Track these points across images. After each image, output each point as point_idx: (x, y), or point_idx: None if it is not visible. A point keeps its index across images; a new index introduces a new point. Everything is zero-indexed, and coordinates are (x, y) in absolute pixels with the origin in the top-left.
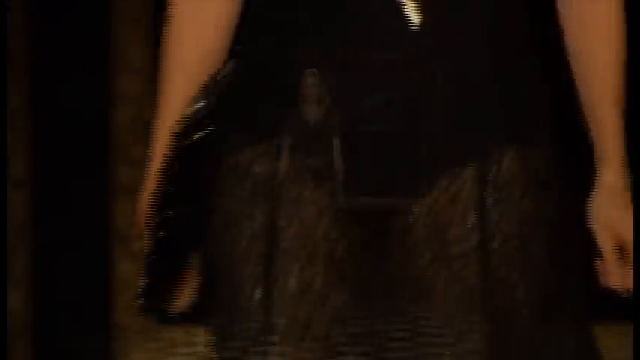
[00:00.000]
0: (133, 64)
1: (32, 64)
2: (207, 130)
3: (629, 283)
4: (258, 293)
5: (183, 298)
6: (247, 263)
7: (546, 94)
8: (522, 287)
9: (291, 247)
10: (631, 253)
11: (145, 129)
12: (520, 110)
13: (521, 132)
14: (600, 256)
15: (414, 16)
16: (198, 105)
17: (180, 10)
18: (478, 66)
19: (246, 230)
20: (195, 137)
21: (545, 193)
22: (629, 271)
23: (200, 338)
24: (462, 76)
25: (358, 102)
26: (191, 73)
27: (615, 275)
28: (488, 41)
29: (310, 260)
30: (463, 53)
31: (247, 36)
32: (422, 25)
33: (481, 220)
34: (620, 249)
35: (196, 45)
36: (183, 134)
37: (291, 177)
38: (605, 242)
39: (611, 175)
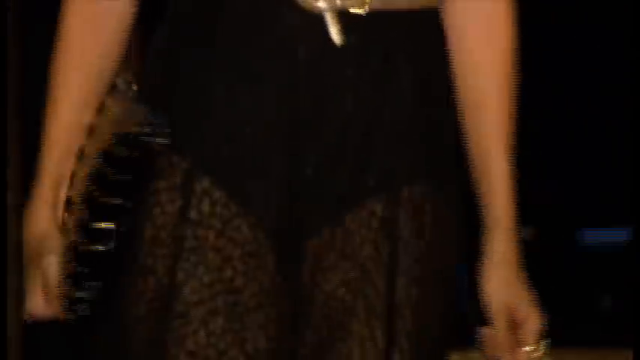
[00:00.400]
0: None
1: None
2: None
3: None
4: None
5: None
6: (143, 325)
7: (455, 128)
8: (428, 310)
9: (189, 307)
10: (526, 332)
11: None
12: (435, 144)
13: (435, 166)
14: (489, 329)
15: (336, 36)
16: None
17: (76, 11)
18: (396, 93)
19: (145, 289)
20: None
21: (448, 232)
22: (523, 353)
23: None
24: (379, 102)
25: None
26: (90, 77)
27: (507, 353)
28: (409, 67)
29: (210, 317)
30: (381, 79)
31: (158, 57)
32: (344, 45)
33: (392, 245)
34: (513, 326)
35: (95, 50)
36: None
37: (199, 218)
38: (499, 319)
39: (503, 242)
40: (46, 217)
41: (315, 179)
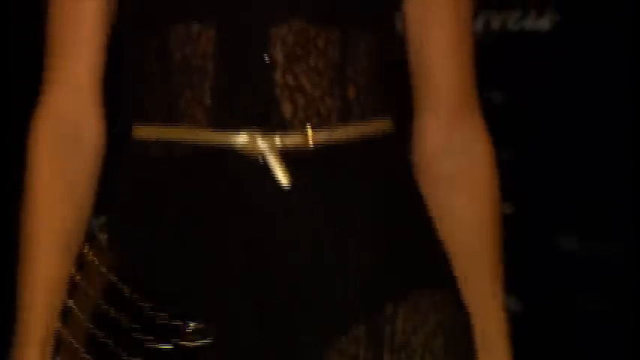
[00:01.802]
0: None
1: None
2: None
3: None
4: None
5: None
6: None
7: (432, 227)
8: None
9: None
10: None
11: None
12: (410, 257)
13: (412, 280)
14: None
15: (283, 177)
16: None
17: (42, 179)
18: (357, 222)
19: None
20: None
21: (449, 340)
22: None
23: None
24: (340, 235)
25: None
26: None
27: None
28: (370, 191)
29: None
30: (340, 210)
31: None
32: (293, 185)
33: None
34: None
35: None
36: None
37: None
38: None
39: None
40: None
41: (289, 317)
